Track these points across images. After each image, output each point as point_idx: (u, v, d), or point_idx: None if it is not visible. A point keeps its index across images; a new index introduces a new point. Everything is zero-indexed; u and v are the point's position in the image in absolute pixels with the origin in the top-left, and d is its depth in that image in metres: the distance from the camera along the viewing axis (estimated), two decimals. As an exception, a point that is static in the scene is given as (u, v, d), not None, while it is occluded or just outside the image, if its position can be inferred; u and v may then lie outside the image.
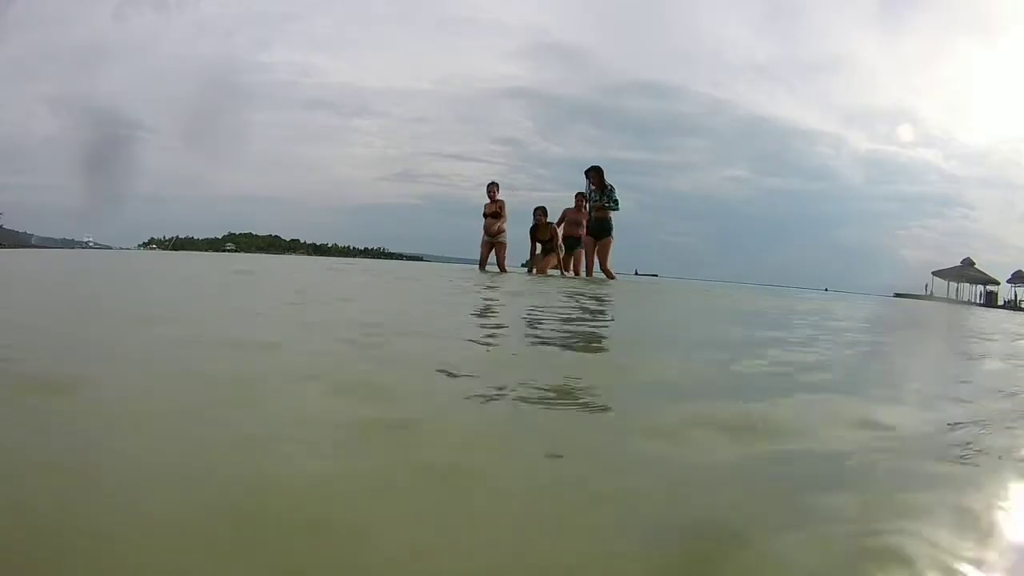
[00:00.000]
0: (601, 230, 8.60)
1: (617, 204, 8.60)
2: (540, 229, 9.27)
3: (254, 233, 22.51)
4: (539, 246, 9.27)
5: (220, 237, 21.29)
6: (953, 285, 27.22)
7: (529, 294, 4.35)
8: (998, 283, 26.66)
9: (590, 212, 8.65)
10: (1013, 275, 26.20)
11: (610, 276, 8.60)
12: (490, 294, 4.28)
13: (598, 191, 8.59)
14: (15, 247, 15.72)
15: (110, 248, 19.83)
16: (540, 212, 9.34)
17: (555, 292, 4.59)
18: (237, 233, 21.97)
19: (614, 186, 8.63)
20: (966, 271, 27.09)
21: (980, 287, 26.96)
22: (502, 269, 9.22)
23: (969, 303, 24.92)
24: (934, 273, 27.11)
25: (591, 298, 4.23)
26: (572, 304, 3.59)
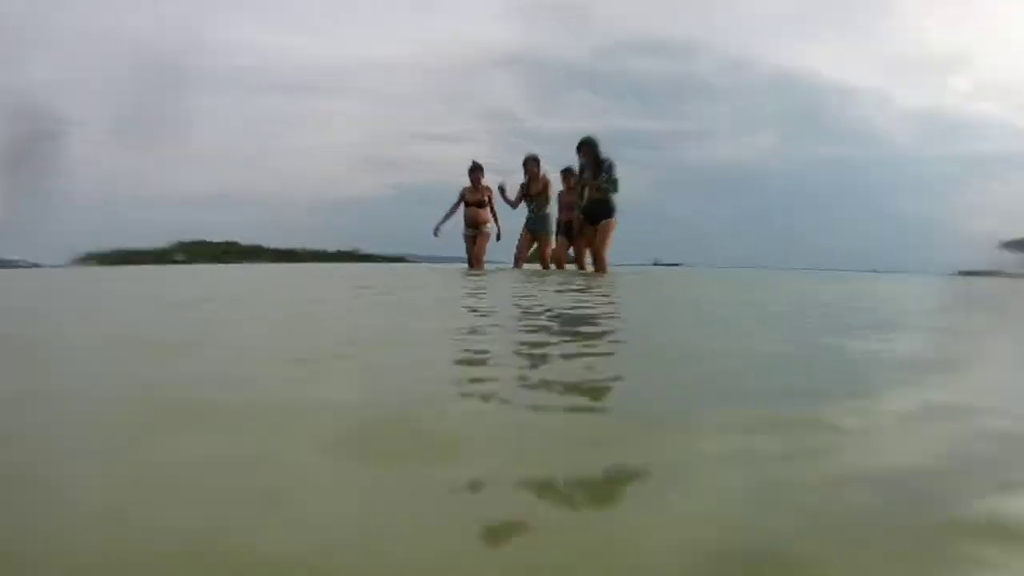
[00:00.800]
0: (599, 212, 7.29)
1: (616, 185, 7.27)
2: (531, 184, 8.06)
3: (207, 240, 19.48)
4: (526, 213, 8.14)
5: (167, 247, 18.27)
6: (1028, 258, 23.85)
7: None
8: (1080, 254, 23.28)
9: (582, 193, 7.40)
10: (1098, 244, 22.84)
11: (602, 267, 7.23)
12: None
13: (593, 169, 7.31)
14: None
15: (39, 266, 16.94)
16: (532, 163, 8.04)
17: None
18: (187, 241, 18.95)
19: (612, 162, 7.32)
20: (1041, 241, 23.75)
21: (1060, 259, 23.55)
22: (479, 264, 8.10)
23: (1049, 278, 21.54)
24: (1004, 245, 23.82)
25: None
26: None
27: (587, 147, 7.37)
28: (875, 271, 24.25)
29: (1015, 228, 24.85)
